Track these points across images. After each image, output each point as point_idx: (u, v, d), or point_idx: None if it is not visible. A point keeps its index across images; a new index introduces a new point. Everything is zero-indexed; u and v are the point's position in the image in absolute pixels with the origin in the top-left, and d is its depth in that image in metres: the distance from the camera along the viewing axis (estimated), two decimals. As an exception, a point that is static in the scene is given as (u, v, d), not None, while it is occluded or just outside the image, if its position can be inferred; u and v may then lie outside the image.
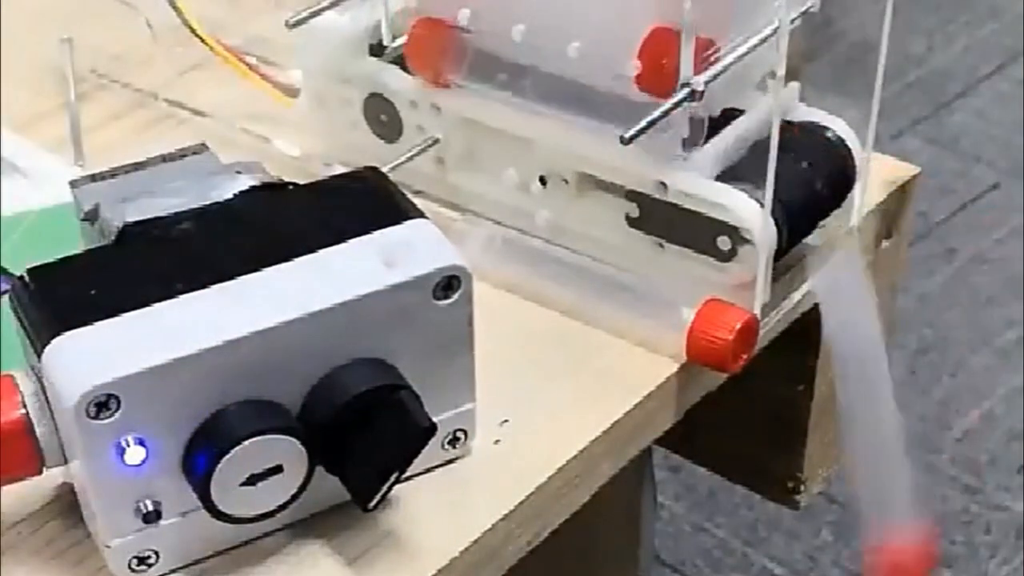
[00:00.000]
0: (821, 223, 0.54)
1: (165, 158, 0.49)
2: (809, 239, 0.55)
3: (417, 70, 0.55)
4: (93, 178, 0.49)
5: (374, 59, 0.57)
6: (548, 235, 0.55)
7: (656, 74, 0.49)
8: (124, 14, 0.66)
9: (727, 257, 0.51)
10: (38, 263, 0.44)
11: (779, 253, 0.52)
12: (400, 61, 0.56)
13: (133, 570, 0.44)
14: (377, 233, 0.45)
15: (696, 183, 0.50)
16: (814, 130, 0.54)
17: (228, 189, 0.47)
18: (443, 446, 0.47)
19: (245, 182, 0.48)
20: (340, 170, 0.51)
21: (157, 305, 0.42)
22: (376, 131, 0.58)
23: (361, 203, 0.47)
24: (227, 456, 0.42)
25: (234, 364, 0.42)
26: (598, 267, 0.54)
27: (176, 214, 0.46)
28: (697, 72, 0.48)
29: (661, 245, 0.52)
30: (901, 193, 0.60)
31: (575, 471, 0.49)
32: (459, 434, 0.48)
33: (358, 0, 0.56)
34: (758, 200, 0.50)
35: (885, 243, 0.59)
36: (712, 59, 0.49)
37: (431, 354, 0.45)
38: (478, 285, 0.46)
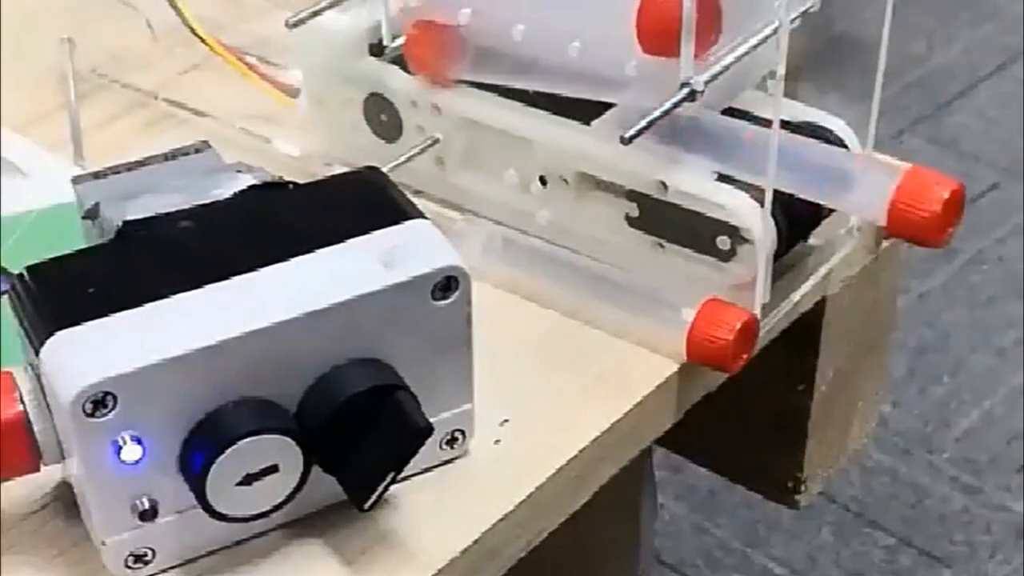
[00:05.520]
0: (821, 223, 0.54)
1: (167, 156, 0.49)
2: (809, 239, 0.55)
3: (417, 70, 0.55)
4: (95, 175, 0.49)
5: (374, 59, 0.57)
6: (548, 235, 0.55)
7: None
8: (124, 14, 0.66)
9: (727, 257, 0.51)
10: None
11: (779, 253, 0.52)
12: (400, 61, 0.56)
13: (129, 567, 0.44)
14: (376, 233, 0.45)
15: (696, 183, 0.50)
16: (814, 130, 0.54)
17: (228, 188, 0.47)
18: (441, 447, 0.47)
19: (245, 181, 0.48)
20: (340, 170, 0.51)
21: (155, 303, 0.42)
22: (376, 131, 0.58)
23: (360, 203, 0.47)
24: (223, 455, 0.42)
25: (231, 363, 0.42)
26: (598, 267, 0.54)
27: (176, 212, 0.46)
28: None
29: (661, 245, 0.52)
30: (901, 193, 0.60)
31: (575, 471, 0.49)
32: (457, 435, 0.48)
33: (358, 0, 0.56)
34: (758, 200, 0.50)
35: (885, 243, 0.59)
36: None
37: (429, 354, 0.45)
38: (478, 285, 0.46)
